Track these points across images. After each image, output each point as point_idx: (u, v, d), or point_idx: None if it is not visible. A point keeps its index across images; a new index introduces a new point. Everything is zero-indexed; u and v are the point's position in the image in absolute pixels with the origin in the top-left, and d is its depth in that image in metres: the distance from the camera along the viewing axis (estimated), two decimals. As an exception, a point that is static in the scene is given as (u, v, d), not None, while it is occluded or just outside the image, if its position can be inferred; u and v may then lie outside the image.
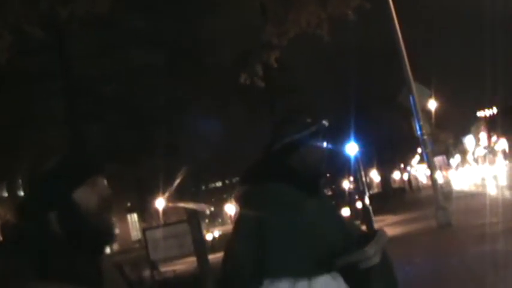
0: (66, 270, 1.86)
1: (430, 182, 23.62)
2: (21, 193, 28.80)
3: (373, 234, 2.78)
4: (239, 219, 2.92)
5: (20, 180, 28.21)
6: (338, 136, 22.35)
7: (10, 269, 1.82)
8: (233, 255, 2.84)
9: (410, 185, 74.22)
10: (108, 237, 2.02)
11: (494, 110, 79.85)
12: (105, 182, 2.03)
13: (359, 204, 27.61)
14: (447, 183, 62.10)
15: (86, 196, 1.96)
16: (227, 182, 36.07)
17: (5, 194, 29.90)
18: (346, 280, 2.67)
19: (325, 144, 2.97)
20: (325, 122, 2.99)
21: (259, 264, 2.70)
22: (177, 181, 14.64)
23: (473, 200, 28.45)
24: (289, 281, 2.63)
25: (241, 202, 2.93)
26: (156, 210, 36.84)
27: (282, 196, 2.84)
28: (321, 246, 2.71)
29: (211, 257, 14.16)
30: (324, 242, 2.72)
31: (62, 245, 1.90)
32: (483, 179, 47.57)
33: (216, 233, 44.15)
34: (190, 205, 14.36)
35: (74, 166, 2.01)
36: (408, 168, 77.29)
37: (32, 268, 1.81)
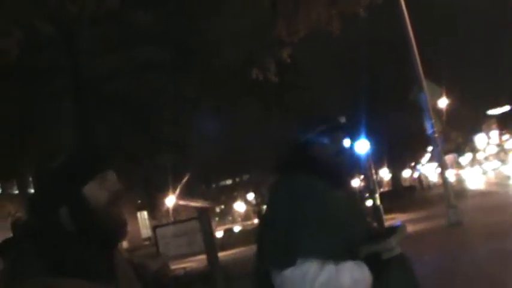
0: (78, 265, 1.84)
1: (440, 181, 23.54)
2: (31, 190, 28.99)
3: (395, 227, 2.88)
4: (272, 206, 3.03)
5: (29, 178, 28.39)
6: (349, 134, 22.26)
7: (23, 265, 1.81)
8: (265, 238, 2.94)
9: (422, 184, 74.05)
10: (119, 232, 2.00)
11: (506, 108, 79.42)
12: (115, 177, 2.01)
13: (369, 203, 27.54)
14: (458, 181, 61.93)
15: (96, 191, 1.94)
16: (237, 179, 36.10)
17: (16, 192, 30.08)
18: (369, 268, 2.74)
19: (342, 141, 3.02)
20: (338, 120, 3.05)
21: (292, 245, 2.76)
22: (187, 179, 14.67)
23: (485, 198, 28.35)
24: (318, 262, 2.71)
25: (271, 190, 3.06)
26: (166, 208, 37.00)
27: (311, 186, 2.93)
28: (348, 233, 2.79)
29: (221, 254, 14.15)
30: (350, 231, 2.81)
31: (73, 240, 1.88)
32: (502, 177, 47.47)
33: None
34: (196, 203, 14.39)
35: (83, 161, 1.99)
36: (418, 166, 77.13)
37: (44, 264, 1.80)
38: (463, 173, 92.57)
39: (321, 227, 2.79)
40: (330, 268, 2.71)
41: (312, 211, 2.87)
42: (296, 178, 2.97)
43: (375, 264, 2.75)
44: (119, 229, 1.99)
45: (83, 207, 1.90)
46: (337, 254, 2.75)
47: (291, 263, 2.74)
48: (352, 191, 3.14)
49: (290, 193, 2.92)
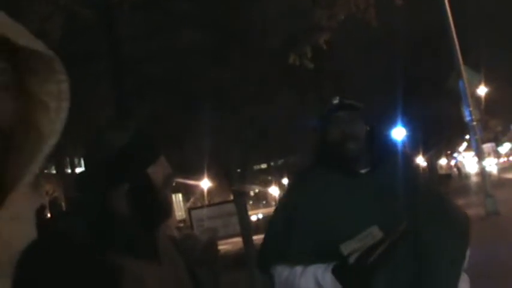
0: (126, 243, 1.90)
1: (478, 169, 23.28)
2: (69, 171, 29.37)
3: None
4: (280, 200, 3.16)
5: (67, 158, 28.76)
6: (385, 120, 22.14)
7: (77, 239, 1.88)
8: (266, 235, 2.98)
9: (460, 172, 73.12)
10: (167, 213, 2.07)
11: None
12: (166, 160, 2.10)
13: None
14: (497, 170, 60.99)
15: (156, 173, 2.02)
16: (272, 164, 36.09)
17: (53, 171, 30.51)
18: (337, 275, 2.57)
19: (349, 125, 2.85)
20: (333, 101, 2.89)
21: (286, 245, 2.78)
22: (222, 162, 14.74)
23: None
24: (285, 266, 2.74)
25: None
26: (201, 191, 37.18)
27: (311, 181, 2.91)
28: (326, 234, 2.69)
29: (255, 237, 14.24)
30: (331, 230, 2.69)
31: (124, 219, 1.94)
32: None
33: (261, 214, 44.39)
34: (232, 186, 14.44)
35: (150, 142, 2.07)
36: (455, 155, 76.19)
37: (93, 241, 1.85)
38: (501, 162, 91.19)
39: (290, 230, 2.78)
40: (294, 271, 2.70)
41: (280, 215, 2.94)
42: (301, 173, 3.05)
43: (349, 269, 2.54)
44: (167, 211, 2.07)
45: (147, 186, 1.97)
46: (311, 256, 2.69)
47: (264, 269, 2.87)
48: (381, 177, 2.88)
49: (292, 190, 3.04)
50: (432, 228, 2.77)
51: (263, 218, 46.40)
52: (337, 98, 2.89)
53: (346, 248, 2.57)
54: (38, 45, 1.11)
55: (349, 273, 2.52)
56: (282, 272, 2.76)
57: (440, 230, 2.79)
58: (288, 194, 3.03)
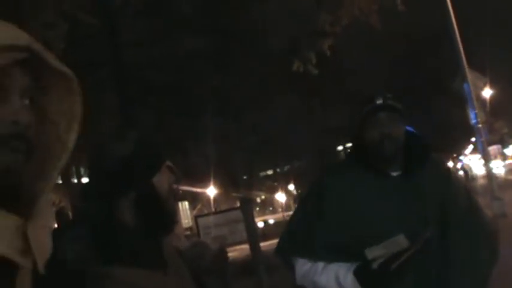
0: (132, 254, 1.88)
1: (484, 172, 23.23)
2: (75, 180, 29.43)
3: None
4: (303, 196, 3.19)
5: (73, 168, 28.80)
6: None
7: (76, 252, 1.85)
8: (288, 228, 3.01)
9: (467, 174, 72.94)
10: (173, 222, 2.06)
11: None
12: (173, 166, 2.09)
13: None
14: (504, 172, 60.88)
15: (161, 181, 2.00)
16: (278, 170, 36.09)
17: (59, 181, 30.53)
18: (359, 277, 2.57)
19: (387, 124, 2.82)
20: (376, 101, 2.84)
21: (310, 239, 2.78)
22: (228, 169, 14.72)
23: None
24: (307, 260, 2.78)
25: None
26: (207, 198, 37.19)
27: (343, 176, 2.90)
28: (347, 236, 2.70)
29: (262, 244, 14.22)
30: (353, 233, 2.70)
31: (129, 228, 1.92)
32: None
33: (272, 220, 44.47)
34: (238, 193, 14.45)
35: (154, 151, 2.05)
36: (461, 157, 76.11)
37: (99, 252, 1.84)
38: (507, 164, 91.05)
39: (315, 223, 2.79)
40: (315, 266, 2.73)
41: (308, 204, 2.95)
42: (328, 174, 3.01)
43: (371, 273, 2.53)
44: (173, 220, 2.05)
45: (153, 195, 1.95)
46: (333, 254, 2.70)
47: (283, 256, 2.93)
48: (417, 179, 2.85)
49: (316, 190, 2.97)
50: (464, 242, 2.76)
51: (268, 224, 46.48)
52: (380, 98, 2.85)
53: (370, 253, 2.56)
54: (65, 68, 1.17)
55: (371, 277, 2.51)
56: (303, 265, 2.77)
57: (472, 245, 2.80)
58: (318, 184, 2.96)
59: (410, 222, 2.67)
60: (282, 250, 2.96)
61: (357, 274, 2.56)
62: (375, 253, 2.55)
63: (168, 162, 2.06)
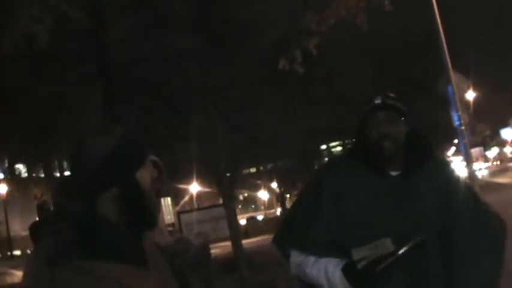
0: (113, 249, 1.86)
1: (466, 174, 23.35)
2: (57, 174, 29.25)
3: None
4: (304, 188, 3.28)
5: (56, 161, 28.63)
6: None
7: (57, 248, 1.82)
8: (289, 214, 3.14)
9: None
10: (156, 218, 2.04)
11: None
12: (157, 160, 2.06)
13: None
14: (486, 175, 61.27)
15: (144, 176, 1.97)
16: (261, 168, 36.08)
17: (41, 175, 30.32)
18: (347, 276, 2.64)
19: (386, 124, 2.82)
20: (375, 101, 2.86)
21: (305, 233, 2.84)
22: (212, 166, 14.70)
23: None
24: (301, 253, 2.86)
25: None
26: (190, 195, 37.10)
27: (342, 173, 2.92)
28: (338, 235, 2.75)
29: (244, 242, 14.21)
30: (346, 232, 2.74)
31: (110, 224, 1.90)
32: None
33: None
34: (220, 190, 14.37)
35: (137, 145, 2.01)
36: (444, 159, 76.43)
37: (80, 247, 1.82)
38: (489, 166, 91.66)
39: (311, 217, 2.84)
40: (307, 259, 2.81)
41: (306, 197, 3.01)
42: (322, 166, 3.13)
43: (358, 273, 2.59)
44: (155, 216, 2.03)
45: (135, 191, 1.92)
46: (326, 249, 2.76)
47: (280, 247, 3.02)
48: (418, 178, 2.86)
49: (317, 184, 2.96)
50: (473, 242, 2.80)
51: (254, 220, 46.42)
52: (379, 97, 2.87)
53: (357, 254, 2.61)
54: None
55: (357, 276, 2.58)
56: (297, 256, 2.86)
57: (476, 248, 2.81)
58: (316, 180, 2.97)
59: (406, 222, 2.71)
60: (279, 241, 3.05)
61: (344, 270, 2.63)
62: (361, 254, 2.60)
63: (152, 157, 2.03)
